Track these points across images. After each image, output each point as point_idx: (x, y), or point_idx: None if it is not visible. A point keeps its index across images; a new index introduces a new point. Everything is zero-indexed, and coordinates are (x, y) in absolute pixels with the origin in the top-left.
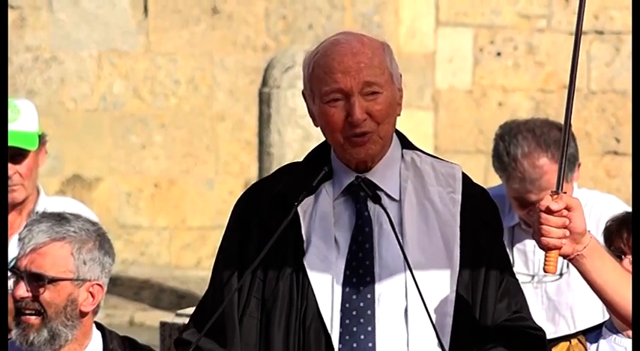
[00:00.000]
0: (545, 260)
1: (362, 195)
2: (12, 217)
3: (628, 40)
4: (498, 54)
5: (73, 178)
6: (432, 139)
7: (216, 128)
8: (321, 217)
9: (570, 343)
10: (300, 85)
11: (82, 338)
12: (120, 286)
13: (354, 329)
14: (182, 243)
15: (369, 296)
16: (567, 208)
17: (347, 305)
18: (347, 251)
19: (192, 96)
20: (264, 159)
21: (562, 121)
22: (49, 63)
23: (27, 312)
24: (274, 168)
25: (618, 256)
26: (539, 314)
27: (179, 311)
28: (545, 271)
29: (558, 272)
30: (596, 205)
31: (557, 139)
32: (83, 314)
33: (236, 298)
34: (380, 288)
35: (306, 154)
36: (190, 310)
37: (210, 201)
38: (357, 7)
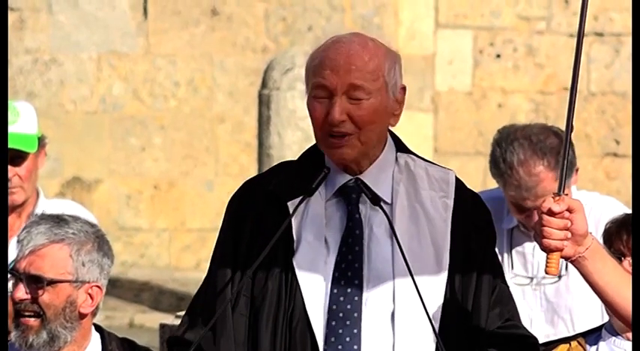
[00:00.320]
0: (547, 262)
1: (354, 197)
2: (11, 219)
3: (628, 41)
4: (498, 56)
5: (73, 180)
6: (432, 141)
7: (216, 130)
8: (313, 218)
9: (570, 345)
10: (300, 87)
11: (81, 340)
12: (120, 288)
13: (340, 331)
14: (182, 245)
15: (356, 298)
16: (569, 210)
17: (334, 307)
18: (337, 253)
19: (192, 98)
20: (263, 161)
21: (561, 123)
22: (49, 65)
23: (26, 314)
24: None
25: (618, 257)
26: (538, 316)
27: (179, 313)
28: (546, 272)
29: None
30: (596, 207)
31: (554, 146)
32: (82, 316)
33: (228, 297)
34: (368, 291)
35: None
36: None
37: (210, 203)
38: (356, 8)
